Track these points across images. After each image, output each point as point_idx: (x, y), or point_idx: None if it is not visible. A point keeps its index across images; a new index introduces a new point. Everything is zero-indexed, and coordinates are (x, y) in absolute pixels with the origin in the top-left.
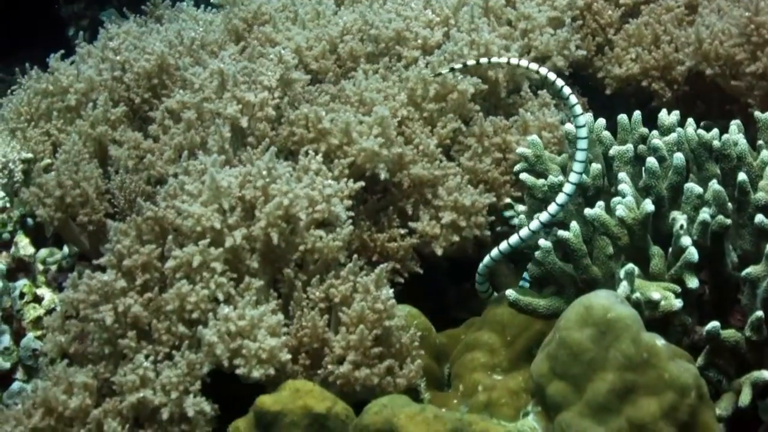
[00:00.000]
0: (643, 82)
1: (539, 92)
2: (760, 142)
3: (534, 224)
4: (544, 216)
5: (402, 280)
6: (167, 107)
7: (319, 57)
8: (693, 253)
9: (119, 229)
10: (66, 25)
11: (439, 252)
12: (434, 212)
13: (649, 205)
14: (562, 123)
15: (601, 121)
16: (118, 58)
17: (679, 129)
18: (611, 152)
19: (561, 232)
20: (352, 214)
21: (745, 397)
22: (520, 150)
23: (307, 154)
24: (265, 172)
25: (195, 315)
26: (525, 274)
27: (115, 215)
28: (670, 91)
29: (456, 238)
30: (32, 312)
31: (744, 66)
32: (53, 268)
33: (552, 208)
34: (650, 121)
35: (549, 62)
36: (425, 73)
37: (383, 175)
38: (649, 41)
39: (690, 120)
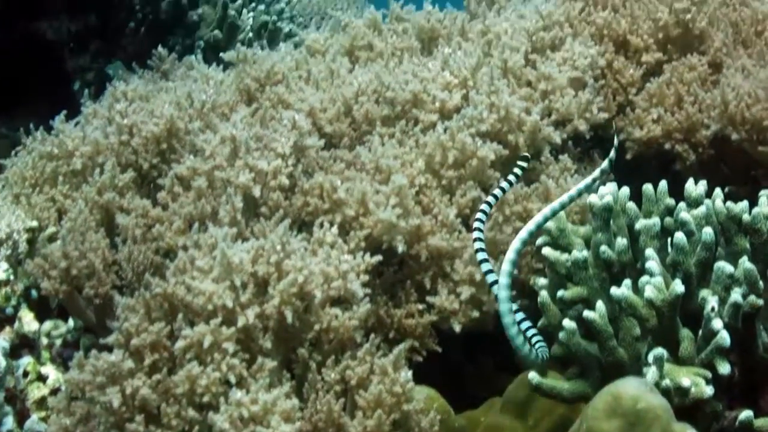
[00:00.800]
0: (665, 145)
1: (560, 157)
2: None
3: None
4: None
5: (420, 359)
6: (177, 174)
7: (333, 119)
8: (725, 338)
9: (127, 306)
10: (72, 79)
11: (458, 329)
12: (453, 286)
13: (679, 286)
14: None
15: (625, 191)
16: (125, 121)
17: (707, 201)
18: (637, 226)
19: (586, 313)
20: (368, 291)
21: None
22: None
23: (321, 225)
24: (278, 247)
25: (206, 398)
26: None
27: (123, 288)
28: (694, 154)
29: (476, 314)
30: (36, 392)
31: None
32: (58, 342)
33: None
34: (672, 183)
35: (570, 126)
36: (444, 138)
37: (401, 248)
38: (672, 102)
39: (717, 191)
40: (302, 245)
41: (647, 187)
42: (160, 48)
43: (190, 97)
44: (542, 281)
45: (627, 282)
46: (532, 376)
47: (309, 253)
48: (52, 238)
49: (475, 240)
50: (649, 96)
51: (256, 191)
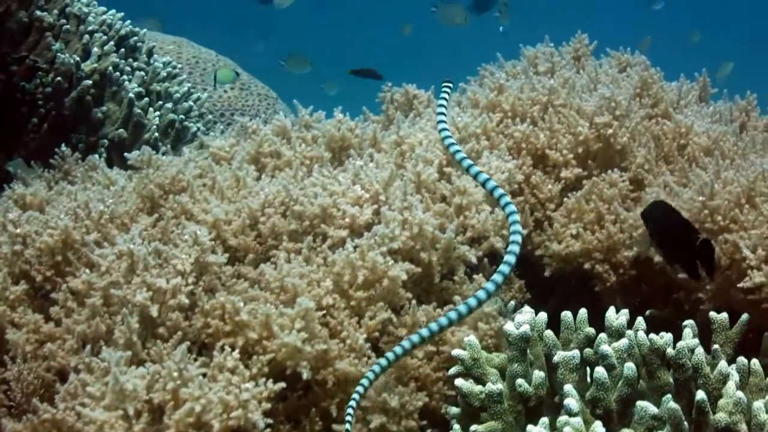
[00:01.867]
0: (585, 264)
1: (475, 276)
2: (716, 346)
3: None
4: None
5: None
6: (71, 288)
7: (238, 232)
8: None
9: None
10: None
11: None
12: (361, 414)
13: (600, 429)
14: (500, 314)
15: (543, 318)
16: (18, 231)
17: (629, 332)
18: (555, 359)
19: None
20: (270, 421)
21: None
22: (455, 352)
23: (222, 349)
24: (175, 374)
25: None
26: None
27: (11, 409)
28: (615, 275)
29: None
30: None
31: None
32: None
33: None
34: (592, 304)
35: (486, 243)
36: (353, 257)
37: (306, 374)
38: (592, 219)
39: (640, 321)
40: (201, 371)
41: (566, 315)
42: (63, 146)
43: (88, 206)
44: (454, 410)
45: (544, 421)
46: None
47: (208, 380)
48: None
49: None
50: (567, 212)
51: (154, 311)
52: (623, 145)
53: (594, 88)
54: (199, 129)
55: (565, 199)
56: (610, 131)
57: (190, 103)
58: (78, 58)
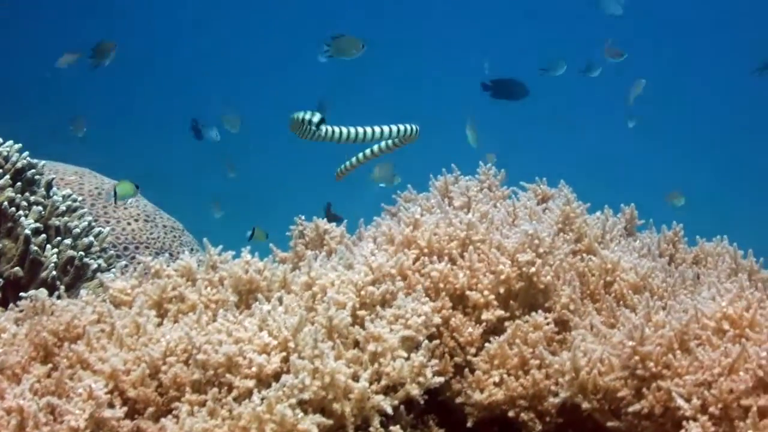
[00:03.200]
0: (509, 412)
1: (391, 427)
2: None
3: None
4: None
5: None
6: None
7: (137, 383)
8: None
9: None
10: None
11: None
12: None
13: None
14: None
15: None
16: None
17: None
18: None
19: None
20: None
21: None
22: None
23: None
24: None
25: None
26: None
27: None
28: (541, 423)
29: None
30: None
31: (626, 403)
32: None
33: None
34: None
35: (402, 391)
36: (260, 409)
37: None
38: (516, 364)
39: None
40: None
41: None
42: None
43: None
44: None
45: None
46: None
47: None
48: None
49: None
50: (489, 357)
51: None
52: (547, 284)
53: (512, 222)
54: (100, 266)
55: (486, 343)
56: (533, 269)
57: (91, 238)
58: None
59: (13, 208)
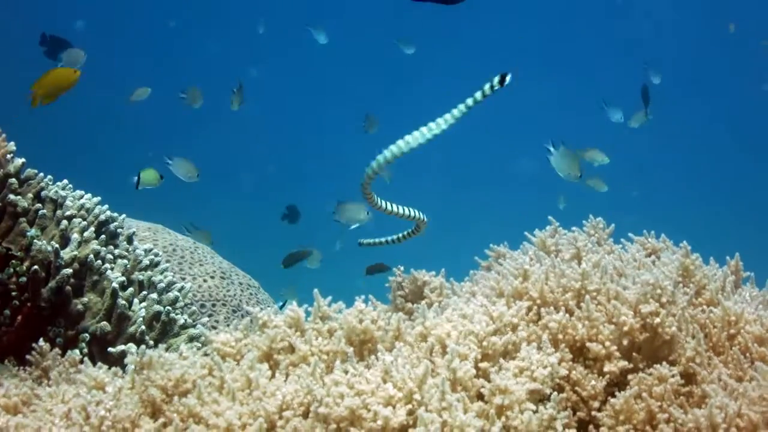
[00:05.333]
0: None
1: None
2: None
3: None
4: None
5: None
6: None
7: None
8: None
9: None
10: None
11: None
12: None
13: None
14: None
15: None
16: None
17: None
18: None
19: None
20: None
21: None
22: None
23: None
24: None
25: None
26: None
27: None
28: None
29: None
30: None
31: None
32: None
33: None
34: None
35: None
36: None
37: None
38: (643, 419)
39: None
40: None
41: None
42: (41, 342)
43: (85, 410)
44: None
45: None
46: None
47: None
48: None
49: None
50: (615, 412)
51: None
52: (672, 335)
53: (622, 274)
54: (185, 322)
55: (611, 399)
56: (658, 320)
57: (177, 293)
58: (57, 245)
59: (99, 261)
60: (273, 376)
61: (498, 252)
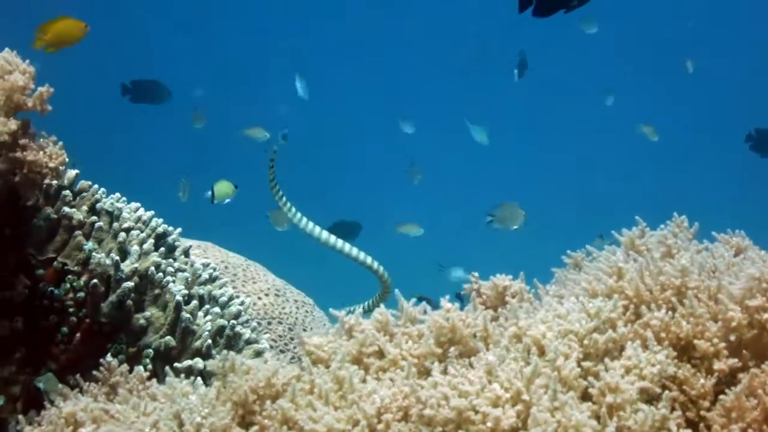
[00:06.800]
0: None
1: None
2: None
3: None
4: None
5: None
6: None
7: None
8: None
9: None
10: None
11: None
12: None
13: None
14: None
15: None
16: None
17: None
18: None
19: None
20: None
21: None
22: None
23: None
24: None
25: None
26: None
27: None
28: None
29: None
30: None
31: None
32: None
33: None
34: None
35: None
36: None
37: None
38: (757, 418)
39: None
40: None
41: None
42: (109, 356)
43: (179, 417)
44: None
45: None
46: None
47: None
48: None
49: None
50: (726, 411)
51: None
52: None
53: (716, 271)
54: (250, 336)
55: (721, 397)
56: (766, 316)
57: (239, 307)
58: (117, 258)
59: (160, 274)
60: (363, 380)
61: (575, 258)
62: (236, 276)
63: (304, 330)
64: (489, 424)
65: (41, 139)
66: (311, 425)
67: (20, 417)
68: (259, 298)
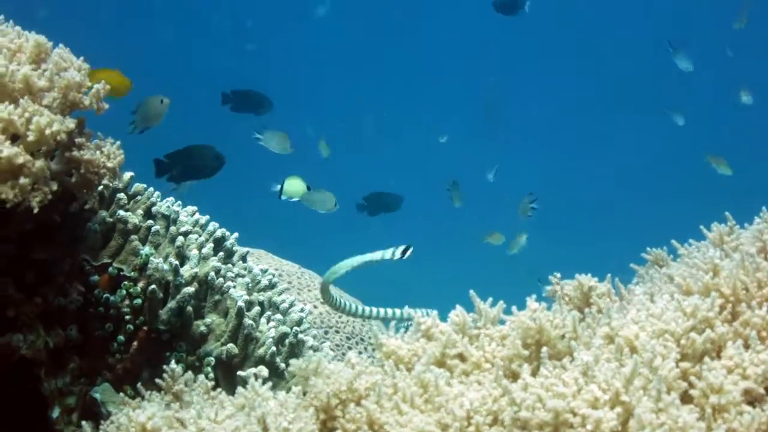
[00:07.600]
0: None
1: None
2: None
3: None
4: None
5: None
6: None
7: None
8: None
9: None
10: (48, 405)
11: None
12: None
13: None
14: None
15: None
16: None
17: None
18: None
19: None
20: None
21: None
22: None
23: None
24: None
25: None
26: None
27: None
28: None
29: None
30: None
31: None
32: None
33: None
34: None
35: None
36: None
37: None
38: None
39: None
40: None
41: None
42: (173, 364)
43: (263, 421)
44: None
45: None
46: None
47: None
48: None
49: None
50: None
51: None
52: None
53: None
54: (313, 343)
55: None
56: None
57: (301, 314)
58: (176, 263)
59: (221, 279)
60: (448, 383)
61: (656, 256)
62: (291, 284)
63: (362, 339)
64: (589, 427)
65: (96, 139)
66: (399, 430)
67: (83, 424)
68: (315, 307)
